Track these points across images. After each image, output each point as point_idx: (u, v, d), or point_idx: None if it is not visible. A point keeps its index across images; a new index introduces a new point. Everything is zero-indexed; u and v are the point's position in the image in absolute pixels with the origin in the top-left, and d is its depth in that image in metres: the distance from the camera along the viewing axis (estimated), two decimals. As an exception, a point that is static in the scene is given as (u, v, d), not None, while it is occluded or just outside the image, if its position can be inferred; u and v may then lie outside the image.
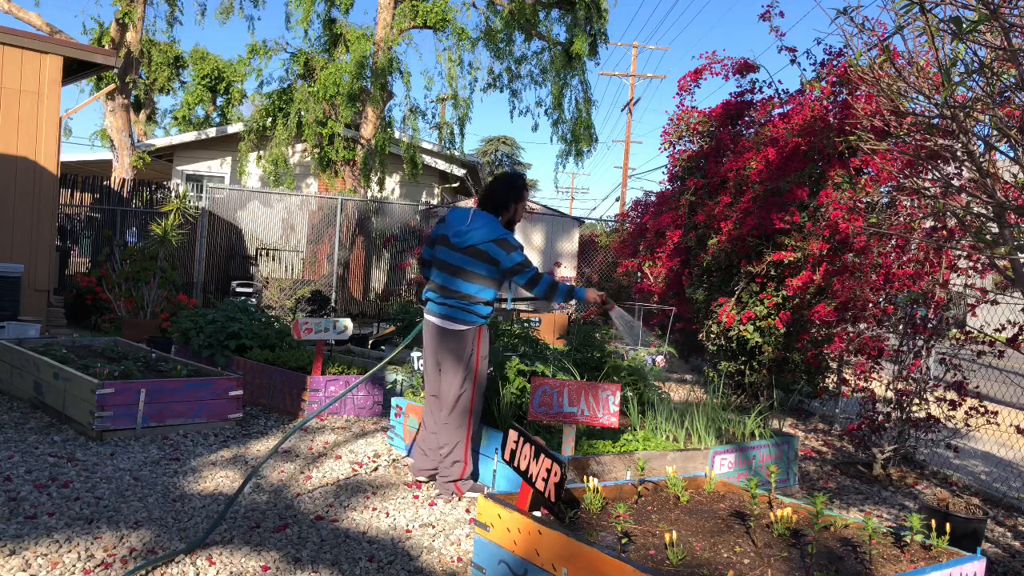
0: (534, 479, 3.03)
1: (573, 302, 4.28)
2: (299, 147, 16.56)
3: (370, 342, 9.84)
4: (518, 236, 4.42)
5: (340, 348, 9.04)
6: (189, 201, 11.91)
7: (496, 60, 16.33)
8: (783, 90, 8.57)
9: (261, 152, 15.74)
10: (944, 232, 5.35)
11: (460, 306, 4.24)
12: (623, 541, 2.92)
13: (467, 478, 4.41)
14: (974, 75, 3.08)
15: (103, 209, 14.07)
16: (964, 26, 2.79)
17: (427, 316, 4.40)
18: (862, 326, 6.14)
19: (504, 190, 4.39)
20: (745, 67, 8.75)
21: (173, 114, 28.51)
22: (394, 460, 5.12)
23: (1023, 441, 6.16)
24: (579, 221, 16.41)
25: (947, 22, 2.85)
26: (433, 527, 3.92)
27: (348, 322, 6.29)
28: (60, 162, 9.61)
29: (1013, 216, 3.25)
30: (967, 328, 5.47)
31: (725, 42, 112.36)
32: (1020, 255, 3.26)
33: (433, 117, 17.32)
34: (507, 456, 3.23)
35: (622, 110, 44.48)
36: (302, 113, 14.62)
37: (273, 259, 14.27)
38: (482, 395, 4.41)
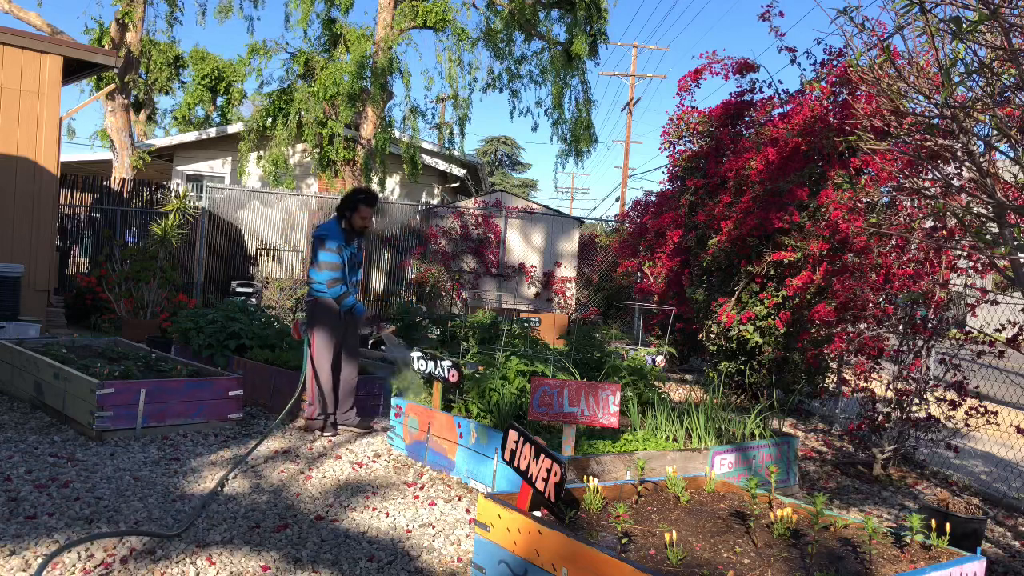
0: (534, 479, 3.03)
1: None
2: (299, 147, 16.56)
3: (370, 342, 9.84)
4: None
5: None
6: (189, 201, 11.92)
7: (496, 60, 16.32)
8: (783, 90, 8.59)
9: (261, 152, 15.73)
10: (944, 232, 5.35)
11: (307, 284, 5.72)
12: (623, 541, 2.92)
13: (315, 417, 5.59)
14: (974, 75, 3.08)
15: (103, 209, 14.07)
16: (964, 26, 2.79)
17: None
18: (862, 326, 6.13)
19: (342, 200, 5.73)
20: (745, 67, 8.75)
21: (173, 114, 28.50)
22: (394, 460, 5.12)
23: (1023, 441, 6.16)
24: (579, 221, 16.41)
25: (947, 22, 2.85)
26: (433, 527, 3.92)
27: (348, 322, 6.28)
28: (60, 162, 9.61)
29: (1013, 216, 3.26)
30: (967, 328, 5.46)
31: (725, 42, 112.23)
32: (1020, 255, 3.26)
33: (433, 117, 17.31)
34: (507, 456, 3.23)
35: (622, 110, 44.50)
36: (302, 113, 14.61)
37: (273, 259, 14.27)
38: (320, 352, 5.53)
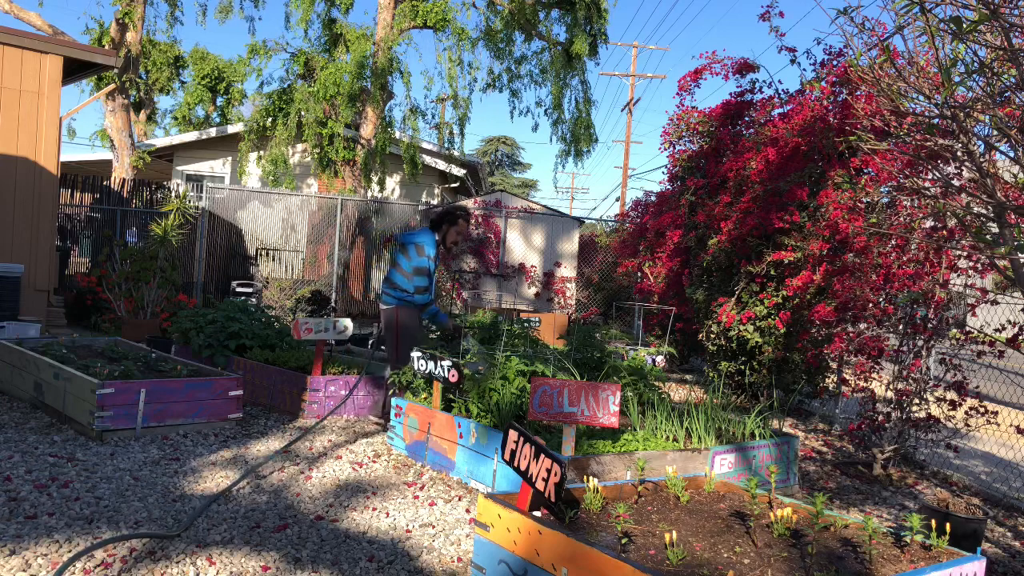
0: (534, 479, 3.03)
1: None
2: (299, 147, 16.56)
3: (370, 342, 9.84)
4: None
5: (340, 348, 9.04)
6: (189, 201, 11.93)
7: (496, 60, 16.33)
8: (783, 90, 8.58)
9: (261, 152, 15.73)
10: (944, 232, 5.35)
11: (385, 291, 5.73)
12: (623, 541, 2.92)
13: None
14: (974, 75, 3.08)
15: (103, 209, 14.07)
16: (964, 26, 2.79)
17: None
18: (862, 326, 6.13)
19: (441, 214, 5.81)
20: (745, 67, 8.75)
21: (173, 114, 28.53)
22: (394, 460, 5.12)
23: (1023, 441, 6.16)
24: (579, 221, 16.40)
25: (947, 22, 2.85)
26: (433, 527, 3.92)
27: (348, 322, 6.30)
28: (60, 162, 9.61)
29: (1013, 216, 3.26)
30: (967, 328, 5.46)
31: (725, 42, 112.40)
32: (1020, 255, 3.26)
33: (433, 117, 17.31)
34: (507, 456, 3.23)
35: (622, 110, 44.48)
36: (302, 113, 14.61)
37: (273, 259, 14.27)
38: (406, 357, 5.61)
